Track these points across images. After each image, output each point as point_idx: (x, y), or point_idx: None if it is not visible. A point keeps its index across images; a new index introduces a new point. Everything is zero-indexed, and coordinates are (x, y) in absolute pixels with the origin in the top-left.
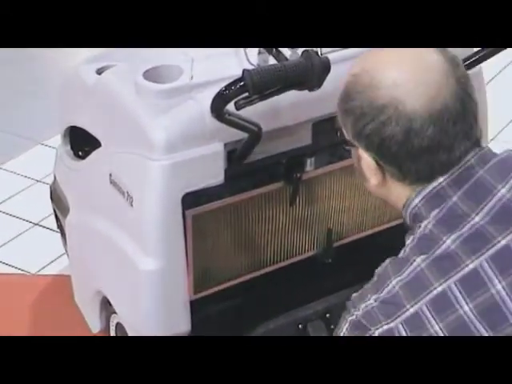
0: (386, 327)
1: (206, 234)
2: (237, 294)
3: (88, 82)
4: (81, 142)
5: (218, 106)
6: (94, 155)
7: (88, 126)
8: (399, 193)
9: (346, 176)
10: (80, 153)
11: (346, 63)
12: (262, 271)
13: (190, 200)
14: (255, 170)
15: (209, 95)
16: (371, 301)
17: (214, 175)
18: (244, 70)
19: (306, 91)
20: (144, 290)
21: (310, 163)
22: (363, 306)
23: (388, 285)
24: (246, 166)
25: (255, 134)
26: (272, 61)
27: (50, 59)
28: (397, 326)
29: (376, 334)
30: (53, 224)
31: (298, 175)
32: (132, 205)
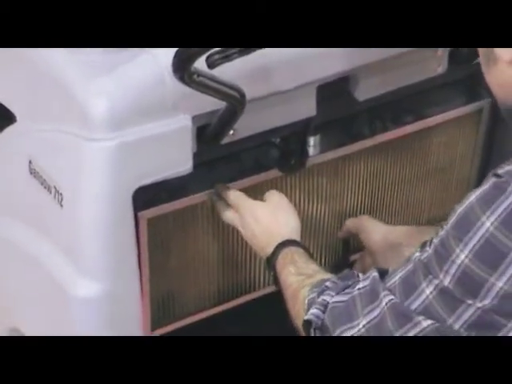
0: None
1: (168, 245)
2: (210, 330)
3: None
4: None
5: (183, 64)
6: (7, 134)
7: None
8: None
9: (368, 162)
10: None
11: None
12: (248, 297)
13: (145, 197)
14: (237, 153)
15: (170, 48)
16: (462, 257)
17: (179, 161)
18: None
19: None
20: (79, 326)
21: (314, 144)
22: (449, 265)
23: (479, 227)
24: (223, 148)
25: (236, 103)
26: None
27: None
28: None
29: (480, 305)
30: None
31: (298, 161)
32: (62, 205)
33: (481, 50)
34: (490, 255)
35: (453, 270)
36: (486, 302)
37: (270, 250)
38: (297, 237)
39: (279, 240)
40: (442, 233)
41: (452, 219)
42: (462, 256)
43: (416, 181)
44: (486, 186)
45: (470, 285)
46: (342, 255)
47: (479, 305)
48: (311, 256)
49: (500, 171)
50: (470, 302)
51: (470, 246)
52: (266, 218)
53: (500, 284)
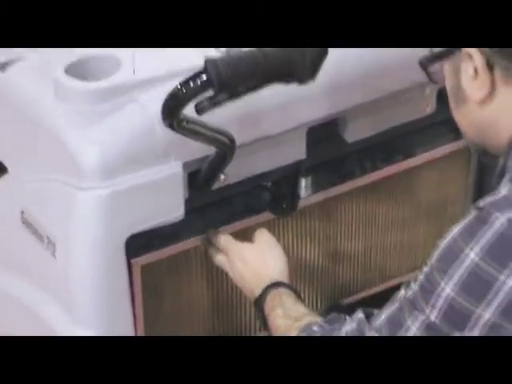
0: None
1: (162, 291)
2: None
3: None
4: None
5: (171, 111)
6: None
7: None
8: None
9: (359, 202)
10: None
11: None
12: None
13: (137, 244)
14: (228, 198)
15: (158, 96)
16: (447, 290)
17: (171, 208)
18: (206, 60)
19: (295, 86)
20: None
21: (305, 186)
22: (435, 299)
23: (463, 259)
24: (214, 193)
25: (226, 149)
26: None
27: None
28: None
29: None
30: None
31: (290, 204)
32: (54, 255)
33: (450, 90)
34: (476, 286)
35: (439, 304)
36: (474, 334)
37: (258, 291)
38: (285, 278)
39: (268, 282)
40: (426, 268)
41: (436, 253)
42: (448, 289)
43: (409, 221)
44: (468, 218)
45: (456, 318)
46: (332, 302)
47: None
48: (299, 297)
49: (481, 204)
50: (457, 335)
51: (456, 278)
52: (254, 261)
53: (487, 315)
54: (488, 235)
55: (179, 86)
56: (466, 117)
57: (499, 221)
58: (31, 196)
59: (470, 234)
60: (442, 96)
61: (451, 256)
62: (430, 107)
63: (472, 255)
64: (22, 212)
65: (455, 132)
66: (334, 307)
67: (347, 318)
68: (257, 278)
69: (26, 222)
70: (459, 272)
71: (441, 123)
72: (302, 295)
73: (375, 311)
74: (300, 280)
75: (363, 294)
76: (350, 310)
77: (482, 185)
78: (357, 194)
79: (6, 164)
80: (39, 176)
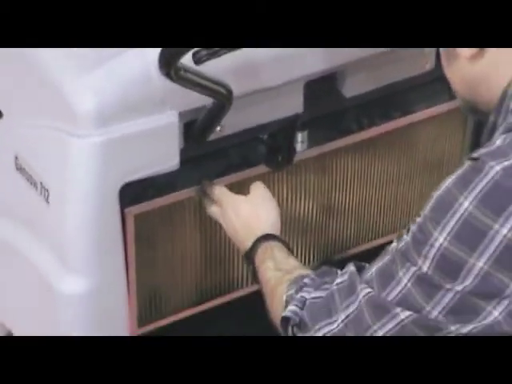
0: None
1: (155, 241)
2: (198, 328)
3: None
4: None
5: (169, 60)
6: None
7: None
8: (504, 68)
9: (355, 158)
10: None
11: None
12: (235, 295)
13: (131, 193)
14: (224, 150)
15: None
16: (440, 239)
17: (166, 158)
18: None
19: None
20: (66, 323)
21: (301, 140)
22: (427, 249)
23: (456, 208)
24: (210, 144)
25: (223, 99)
26: None
27: None
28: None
29: (459, 288)
30: None
31: (286, 157)
32: (48, 201)
33: (441, 48)
34: (469, 235)
35: (431, 254)
36: (467, 283)
37: (249, 244)
38: (277, 231)
39: (259, 234)
40: (419, 219)
41: (429, 204)
42: (441, 239)
43: (404, 177)
44: (462, 169)
45: (449, 267)
46: (324, 257)
47: (459, 288)
48: (290, 251)
49: (476, 154)
50: (448, 286)
51: (449, 228)
52: (246, 213)
53: (480, 264)
54: (482, 184)
55: None
56: (457, 73)
57: (494, 169)
58: (25, 142)
59: (464, 183)
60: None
61: (445, 206)
62: (429, 64)
63: (466, 204)
64: (16, 158)
65: None
66: (327, 262)
67: (338, 271)
68: (248, 229)
69: (20, 168)
70: (452, 221)
71: (440, 80)
72: (295, 249)
73: (367, 265)
74: (293, 234)
75: (357, 250)
76: (343, 265)
77: (479, 143)
78: (353, 150)
79: (1, 109)
80: (34, 122)
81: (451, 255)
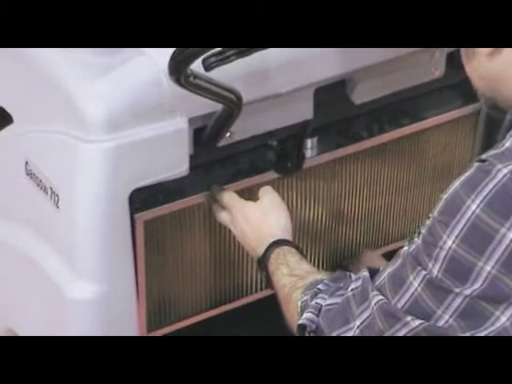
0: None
1: (164, 247)
2: (208, 333)
3: None
4: None
5: (179, 66)
6: (4, 135)
7: None
8: None
9: (365, 164)
10: None
11: None
12: (245, 300)
13: (141, 199)
14: (233, 156)
15: (167, 50)
16: (449, 242)
17: (175, 164)
18: None
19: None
20: (75, 328)
21: (311, 146)
22: (437, 252)
23: (464, 211)
24: (219, 150)
25: (233, 106)
26: None
27: None
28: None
29: (468, 292)
30: None
31: (295, 163)
32: (58, 206)
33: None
34: (477, 239)
35: (441, 257)
36: (476, 286)
37: (261, 250)
38: (288, 236)
39: (270, 240)
40: (428, 222)
41: (438, 207)
42: (450, 242)
43: (414, 185)
44: (471, 171)
45: (458, 270)
46: (334, 263)
47: (467, 292)
48: (303, 255)
49: (483, 156)
50: (458, 290)
51: (457, 230)
52: (256, 218)
53: (488, 268)
54: (489, 187)
55: None
56: (476, 70)
57: (501, 172)
58: (36, 147)
59: (471, 185)
60: (451, 60)
61: (453, 208)
62: (438, 71)
63: (473, 207)
64: (27, 163)
65: (463, 97)
66: (338, 268)
67: (353, 276)
68: (259, 235)
69: (31, 173)
70: (461, 224)
71: (449, 87)
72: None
73: (381, 268)
74: (303, 240)
75: None
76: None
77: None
78: (363, 156)
79: (12, 114)
80: (44, 127)
81: (460, 258)
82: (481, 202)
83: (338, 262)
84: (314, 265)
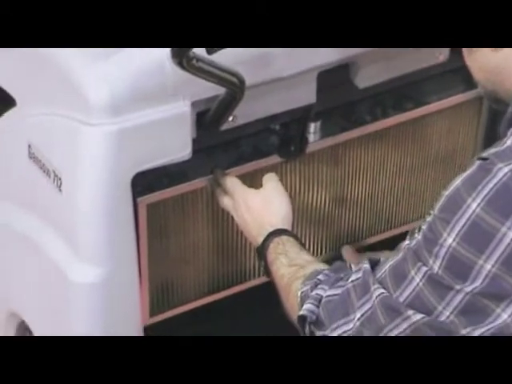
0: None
1: (167, 230)
2: (210, 317)
3: None
4: None
5: (181, 49)
6: (7, 118)
7: None
8: None
9: (368, 149)
10: None
11: None
12: (247, 285)
13: (144, 183)
14: (236, 140)
15: None
16: (449, 240)
17: (178, 147)
18: None
19: None
20: (77, 312)
21: (314, 130)
22: (437, 249)
23: (465, 210)
24: (222, 134)
25: (235, 89)
26: None
27: None
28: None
29: (469, 289)
30: None
31: (298, 147)
32: (60, 189)
33: None
34: (477, 237)
35: (442, 254)
36: (476, 284)
37: (260, 239)
38: (288, 226)
39: (269, 229)
40: (429, 218)
41: (439, 204)
42: (450, 240)
43: (417, 169)
44: (472, 169)
45: (459, 268)
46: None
47: (468, 289)
48: (302, 245)
49: (484, 154)
50: (458, 287)
51: (457, 229)
52: (257, 207)
53: (488, 266)
54: (490, 186)
55: None
56: (478, 62)
57: (502, 171)
58: (39, 130)
59: (472, 184)
60: None
61: (453, 206)
62: (442, 55)
63: (474, 206)
64: (29, 146)
65: (467, 81)
66: (339, 252)
67: (353, 266)
68: (259, 224)
69: (33, 157)
70: (461, 222)
71: (453, 72)
72: (308, 240)
73: (382, 258)
74: (306, 225)
75: (369, 241)
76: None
77: (492, 135)
78: (366, 141)
79: (15, 97)
80: (47, 110)
81: (460, 256)
82: (481, 200)
83: (341, 246)
84: (316, 249)
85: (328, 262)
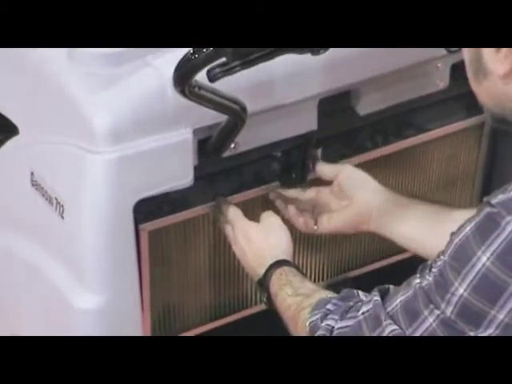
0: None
1: (169, 257)
2: None
3: None
4: None
5: (183, 77)
6: (9, 146)
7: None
8: None
9: (370, 176)
10: None
11: None
12: (249, 311)
13: (146, 210)
14: (238, 167)
15: (172, 61)
16: (461, 290)
17: (180, 174)
18: None
19: (309, 56)
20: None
21: (315, 157)
22: (449, 297)
23: (475, 262)
24: (224, 161)
25: (237, 117)
26: None
27: None
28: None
29: (486, 334)
30: None
31: (300, 175)
32: (63, 216)
33: (468, 62)
34: (488, 290)
35: (453, 301)
36: (490, 332)
37: (261, 271)
38: (288, 258)
39: (270, 261)
40: (440, 263)
41: (449, 250)
42: (461, 290)
43: (418, 196)
44: (480, 216)
45: (471, 316)
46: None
47: (482, 336)
48: (304, 275)
49: (493, 201)
50: (472, 333)
51: (468, 280)
52: (257, 239)
53: (501, 316)
54: (499, 240)
55: (192, 52)
56: (487, 91)
57: (510, 225)
58: (41, 158)
59: (481, 236)
60: (455, 71)
61: (464, 257)
62: (443, 82)
63: (483, 259)
64: (32, 173)
65: (468, 108)
66: (343, 280)
67: (362, 296)
68: (259, 256)
69: (36, 184)
70: (471, 274)
71: (454, 99)
72: (310, 266)
73: (391, 288)
74: (308, 251)
75: (371, 267)
76: (358, 282)
77: (493, 162)
78: (367, 167)
79: (18, 125)
80: (50, 138)
81: (472, 306)
82: (491, 254)
83: (343, 273)
84: (318, 275)
85: (329, 287)
